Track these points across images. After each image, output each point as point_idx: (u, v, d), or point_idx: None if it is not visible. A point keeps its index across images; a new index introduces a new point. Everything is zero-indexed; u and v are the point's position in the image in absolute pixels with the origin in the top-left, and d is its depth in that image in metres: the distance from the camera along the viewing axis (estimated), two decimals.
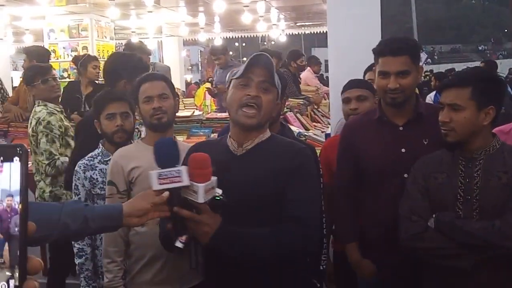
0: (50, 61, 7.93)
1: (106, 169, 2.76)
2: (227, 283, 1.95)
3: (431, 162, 2.22)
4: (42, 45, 7.67)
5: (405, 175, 2.32)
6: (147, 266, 2.49)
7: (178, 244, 1.70)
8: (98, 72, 5.27)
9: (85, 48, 8.14)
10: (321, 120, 6.04)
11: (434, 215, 2.13)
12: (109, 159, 2.76)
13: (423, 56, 2.59)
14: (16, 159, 0.75)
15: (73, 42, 8.23)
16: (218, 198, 1.73)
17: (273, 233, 1.82)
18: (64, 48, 8.27)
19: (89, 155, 2.88)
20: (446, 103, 2.12)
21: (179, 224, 1.71)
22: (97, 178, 2.79)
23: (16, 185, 0.74)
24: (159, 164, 1.71)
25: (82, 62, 5.33)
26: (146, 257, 2.48)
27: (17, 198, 0.74)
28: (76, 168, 2.86)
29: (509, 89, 8.56)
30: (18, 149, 0.75)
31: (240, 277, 1.90)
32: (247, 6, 8.53)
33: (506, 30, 50.14)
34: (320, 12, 10.04)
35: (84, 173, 2.80)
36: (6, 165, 0.74)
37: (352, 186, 2.56)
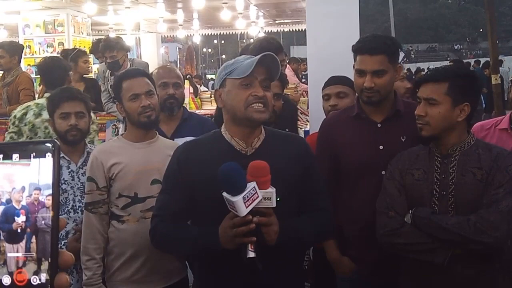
0: (24, 57, 7.81)
1: None
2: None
3: (407, 159, 2.25)
4: (17, 41, 7.54)
5: (383, 172, 2.34)
6: (127, 264, 2.47)
7: (252, 254, 1.75)
8: (89, 67, 5.27)
9: (61, 43, 8.02)
10: (300, 117, 6.05)
11: (410, 211, 2.16)
12: (60, 158, 2.73)
13: (401, 55, 2.60)
14: (49, 154, 0.77)
15: (49, 38, 8.11)
16: (279, 199, 1.78)
17: (314, 224, 2.01)
18: (39, 43, 8.15)
19: None
20: (422, 97, 2.15)
21: (254, 233, 1.76)
22: None
23: (45, 179, 0.76)
24: (235, 191, 1.71)
25: (73, 56, 5.29)
26: (126, 255, 2.46)
27: (46, 192, 0.76)
28: None
29: None
30: (50, 144, 0.77)
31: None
32: (226, 3, 8.51)
33: (481, 30, 50.95)
34: (299, 10, 10.08)
35: None
36: (35, 159, 0.77)
37: (330, 183, 2.56)
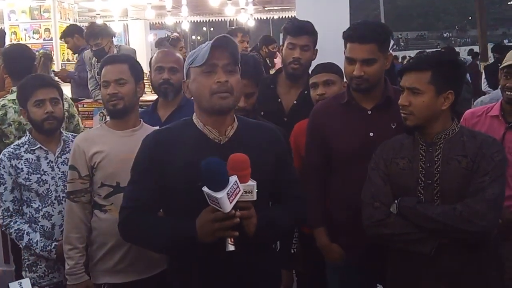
0: (10, 43, 7.66)
1: (32, 159, 2.66)
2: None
3: (391, 148, 2.24)
4: (3, 27, 7.42)
5: None
6: (110, 253, 2.46)
7: (232, 248, 1.74)
8: (185, 53, 5.40)
9: (47, 30, 7.90)
10: None
11: (396, 201, 2.15)
12: (37, 148, 2.67)
13: (391, 42, 2.58)
14: None
15: (35, 24, 7.97)
16: (258, 190, 1.76)
17: (290, 212, 2.01)
18: (25, 30, 8.01)
19: (16, 143, 2.74)
20: (405, 86, 2.13)
21: (236, 227, 1.74)
22: (22, 168, 2.63)
23: None
24: (218, 187, 1.68)
25: (171, 42, 5.57)
26: (108, 244, 2.45)
27: None
28: (1, 156, 2.70)
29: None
30: None
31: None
32: None
33: (470, 18, 51.10)
34: None
35: (10, 161, 2.64)
36: None
37: (320, 170, 2.56)
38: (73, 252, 2.44)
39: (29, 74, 3.36)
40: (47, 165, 2.67)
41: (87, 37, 5.23)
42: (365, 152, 2.36)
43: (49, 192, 2.65)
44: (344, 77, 2.63)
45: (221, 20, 13.07)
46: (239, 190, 1.70)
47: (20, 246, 2.66)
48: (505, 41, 35.52)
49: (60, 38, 6.34)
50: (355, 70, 2.36)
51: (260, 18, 12.56)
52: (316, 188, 2.55)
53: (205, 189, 1.69)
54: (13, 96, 3.29)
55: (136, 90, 2.52)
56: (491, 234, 2.10)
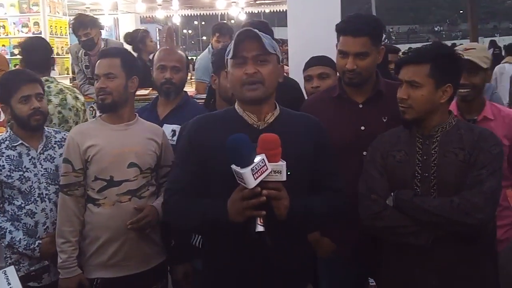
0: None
1: (14, 156, 2.58)
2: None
3: (388, 140, 2.23)
4: None
5: (364, 153, 2.33)
6: (103, 248, 2.44)
7: (260, 228, 1.72)
8: (155, 43, 5.48)
9: (36, 24, 7.82)
10: None
11: (392, 193, 2.14)
12: (18, 144, 2.61)
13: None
14: None
15: (24, 18, 7.90)
16: (289, 173, 1.74)
17: (328, 203, 1.98)
18: (14, 23, 7.93)
19: None
20: (404, 79, 2.12)
21: (265, 207, 1.73)
22: (3, 165, 2.56)
23: None
24: (243, 163, 1.67)
25: (140, 39, 5.63)
26: (101, 239, 2.43)
27: None
28: None
29: None
30: None
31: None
32: None
33: (461, 12, 51.25)
34: None
35: None
36: None
37: None
38: (66, 245, 2.42)
39: (48, 66, 3.51)
40: (29, 162, 2.60)
41: (76, 27, 5.15)
42: (356, 146, 2.36)
43: (32, 190, 2.57)
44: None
45: (213, 13, 13.01)
46: (266, 169, 1.69)
47: (2, 244, 2.62)
48: (496, 35, 35.67)
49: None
50: (348, 63, 2.35)
51: (252, 11, 12.52)
52: None
53: (232, 166, 1.70)
54: (67, 82, 3.39)
55: (128, 85, 2.49)
56: (488, 227, 2.10)
